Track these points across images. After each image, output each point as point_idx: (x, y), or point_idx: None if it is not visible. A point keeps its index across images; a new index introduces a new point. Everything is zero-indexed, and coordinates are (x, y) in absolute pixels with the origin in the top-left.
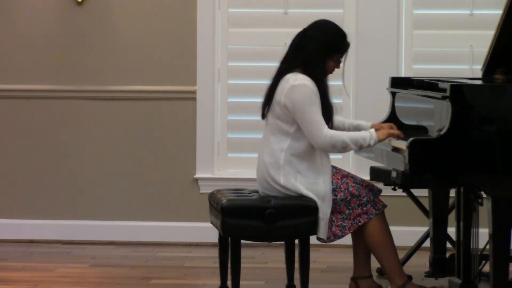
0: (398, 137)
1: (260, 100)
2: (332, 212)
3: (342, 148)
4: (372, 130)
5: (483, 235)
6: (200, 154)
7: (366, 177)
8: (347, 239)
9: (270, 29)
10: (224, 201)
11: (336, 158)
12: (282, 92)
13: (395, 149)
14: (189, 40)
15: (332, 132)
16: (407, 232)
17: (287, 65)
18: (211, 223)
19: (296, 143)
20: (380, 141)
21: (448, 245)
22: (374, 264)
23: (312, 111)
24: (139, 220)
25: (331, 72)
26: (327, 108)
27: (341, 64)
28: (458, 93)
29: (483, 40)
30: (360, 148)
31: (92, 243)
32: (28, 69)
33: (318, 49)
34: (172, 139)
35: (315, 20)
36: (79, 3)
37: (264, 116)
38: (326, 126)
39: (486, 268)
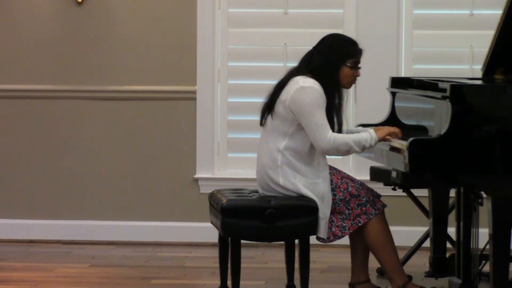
0: (397, 136)
1: (259, 100)
2: (332, 213)
3: (346, 151)
4: (371, 130)
5: (483, 235)
6: (200, 154)
7: (366, 177)
8: (347, 239)
9: (270, 29)
10: (224, 201)
11: (336, 158)
12: (289, 92)
13: (395, 149)
14: (189, 40)
15: (336, 135)
16: (407, 232)
17: (293, 75)
18: (211, 223)
19: (294, 143)
20: (380, 139)
21: (448, 245)
22: (374, 264)
23: (317, 115)
24: (139, 220)
25: (352, 81)
26: (338, 119)
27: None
28: (458, 93)
29: (483, 40)
30: (363, 149)
31: (92, 243)
32: (28, 69)
33: (326, 58)
34: (172, 139)
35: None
36: (79, 3)
37: (262, 123)
38: (331, 130)
39: (486, 268)
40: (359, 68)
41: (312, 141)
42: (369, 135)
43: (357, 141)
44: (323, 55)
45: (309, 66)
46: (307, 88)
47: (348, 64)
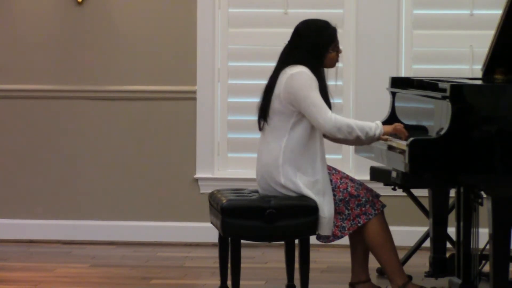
0: (403, 136)
1: (259, 100)
2: None
3: (348, 133)
4: (379, 122)
5: (483, 235)
6: (200, 154)
7: (366, 177)
8: (347, 239)
9: (270, 29)
10: (224, 201)
11: (336, 158)
12: (281, 84)
13: (395, 149)
14: (189, 40)
15: (338, 116)
16: (407, 232)
17: (278, 72)
18: (211, 223)
19: (294, 138)
20: (385, 133)
21: (448, 245)
22: (374, 264)
23: (313, 96)
24: (139, 220)
25: (336, 60)
26: (326, 100)
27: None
28: (458, 93)
29: (483, 40)
30: (366, 136)
31: (92, 243)
32: (28, 69)
33: (308, 54)
34: (172, 139)
35: (295, 27)
36: (79, 3)
37: (260, 127)
38: (330, 110)
39: (486, 268)
40: (339, 45)
41: (314, 122)
42: (375, 125)
43: (360, 127)
44: (304, 49)
45: (291, 61)
46: (296, 74)
47: (330, 50)
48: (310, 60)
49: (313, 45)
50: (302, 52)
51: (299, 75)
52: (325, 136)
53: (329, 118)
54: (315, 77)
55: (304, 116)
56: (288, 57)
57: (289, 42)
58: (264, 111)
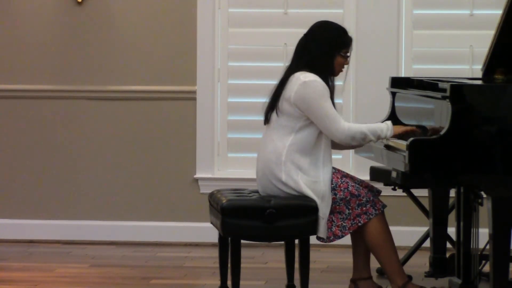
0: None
1: (259, 100)
2: (332, 212)
3: (362, 139)
4: (389, 122)
5: (483, 235)
6: (200, 154)
7: (366, 177)
8: (347, 239)
9: (270, 29)
10: (224, 201)
11: (336, 158)
12: (292, 89)
13: (395, 149)
14: (189, 40)
15: (350, 124)
16: (407, 232)
17: (292, 70)
18: (211, 223)
19: (299, 139)
20: (395, 134)
21: (448, 245)
22: (374, 264)
23: (326, 106)
24: (139, 220)
25: (341, 69)
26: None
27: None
28: (458, 93)
29: (483, 40)
30: (378, 139)
31: (92, 243)
32: (28, 69)
33: (322, 48)
34: (172, 139)
35: (314, 23)
36: (79, 3)
37: (266, 121)
38: (342, 119)
39: (486, 268)
40: (349, 56)
41: (327, 133)
42: (385, 126)
43: (372, 130)
44: (318, 45)
45: (305, 57)
46: (309, 82)
47: (342, 54)
48: (321, 58)
49: (327, 43)
50: (316, 48)
51: (311, 84)
52: (334, 145)
53: (343, 128)
54: (327, 86)
55: (312, 122)
56: (302, 49)
57: (305, 35)
58: (274, 103)
